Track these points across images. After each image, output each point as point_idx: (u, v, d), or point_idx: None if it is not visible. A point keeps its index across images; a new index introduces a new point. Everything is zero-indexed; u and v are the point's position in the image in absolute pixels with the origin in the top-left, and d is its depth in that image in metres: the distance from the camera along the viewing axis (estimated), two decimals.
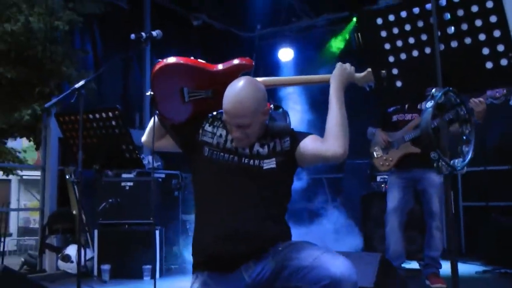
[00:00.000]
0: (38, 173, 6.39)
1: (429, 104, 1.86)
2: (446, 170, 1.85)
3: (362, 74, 2.53)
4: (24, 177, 16.08)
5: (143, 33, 3.38)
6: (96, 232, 5.45)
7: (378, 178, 6.60)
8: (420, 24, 2.13)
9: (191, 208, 7.09)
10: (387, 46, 2.23)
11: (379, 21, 2.21)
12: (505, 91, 4.13)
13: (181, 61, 2.38)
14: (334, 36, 9.03)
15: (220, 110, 2.57)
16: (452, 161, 1.86)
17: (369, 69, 2.50)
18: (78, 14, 5.74)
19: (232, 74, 2.40)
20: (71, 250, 5.41)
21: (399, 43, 2.19)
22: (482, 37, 2.05)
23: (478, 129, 4.53)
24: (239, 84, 2.32)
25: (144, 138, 2.70)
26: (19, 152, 9.63)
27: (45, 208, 6.07)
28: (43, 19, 5.19)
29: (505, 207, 6.65)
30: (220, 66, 2.42)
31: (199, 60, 2.43)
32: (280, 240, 2.37)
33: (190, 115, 2.52)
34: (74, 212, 5.80)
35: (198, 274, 2.42)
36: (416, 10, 2.12)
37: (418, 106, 4.82)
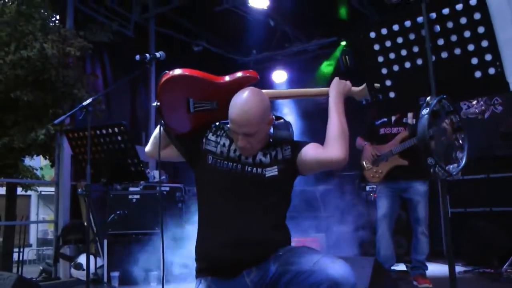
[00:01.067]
0: (54, 188, 6.28)
1: (425, 111, 1.72)
2: (442, 175, 1.71)
3: (360, 88, 2.42)
4: (42, 192, 16.05)
5: (147, 54, 3.26)
6: (105, 241, 5.30)
7: (367, 188, 6.48)
8: (412, 36, 2.01)
9: (194, 218, 6.97)
10: (380, 58, 2.11)
11: (372, 34, 2.09)
12: (483, 107, 4.10)
13: (188, 73, 2.24)
14: (324, 59, 9.01)
15: (223, 121, 2.45)
16: (447, 167, 1.72)
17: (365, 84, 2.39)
18: (89, 42, 5.64)
19: (238, 86, 2.26)
20: (83, 259, 5.28)
21: (392, 55, 2.07)
22: (471, 47, 1.93)
23: None
24: (246, 94, 2.20)
25: (148, 148, 2.54)
26: (37, 170, 9.59)
27: (59, 221, 5.94)
28: (56, 46, 5.08)
29: (482, 212, 6.54)
30: (226, 78, 2.29)
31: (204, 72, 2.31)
32: (281, 245, 2.25)
33: (195, 125, 2.38)
34: (85, 223, 5.66)
35: (201, 279, 2.29)
36: (407, 23, 2.00)
37: (404, 120, 4.78)
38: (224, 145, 2.34)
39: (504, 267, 4.94)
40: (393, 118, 4.81)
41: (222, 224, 2.23)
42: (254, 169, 2.28)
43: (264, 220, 2.23)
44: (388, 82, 2.14)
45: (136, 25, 7.42)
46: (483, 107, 4.09)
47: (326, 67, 8.94)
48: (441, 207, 1.72)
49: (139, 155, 3.14)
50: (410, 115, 4.77)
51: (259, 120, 2.19)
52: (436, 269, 5.64)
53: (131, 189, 5.64)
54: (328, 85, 2.33)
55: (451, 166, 1.74)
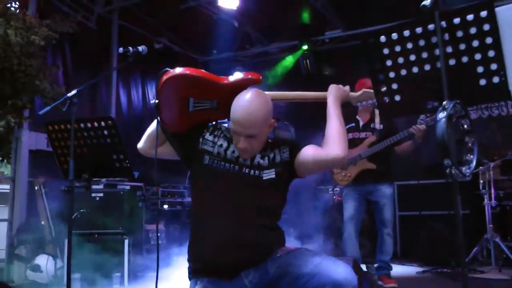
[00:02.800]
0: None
1: (442, 114, 1.80)
2: (457, 177, 1.80)
3: (358, 93, 2.49)
4: None
5: (130, 48, 3.20)
6: (66, 241, 5.13)
7: (330, 191, 6.61)
8: (422, 43, 2.09)
9: (154, 218, 6.88)
10: (389, 62, 2.18)
11: (383, 39, 2.16)
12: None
13: (190, 73, 2.21)
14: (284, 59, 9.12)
15: (221, 120, 2.45)
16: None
17: (364, 89, 2.46)
18: (53, 31, 5.44)
19: (240, 87, 2.26)
20: (41, 260, 5.08)
21: (401, 60, 2.15)
22: (477, 56, 2.03)
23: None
24: (249, 95, 2.20)
25: (140, 145, 2.50)
26: None
27: (13, 220, 5.68)
28: (20, 34, 4.87)
29: (436, 215, 6.86)
30: (229, 79, 2.28)
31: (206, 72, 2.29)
32: (276, 246, 2.27)
33: (192, 123, 2.36)
34: (42, 222, 5.44)
35: (197, 281, 2.26)
36: (419, 30, 2.08)
37: (372, 125, 4.93)
38: (221, 145, 2.33)
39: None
40: (361, 123, 4.96)
41: (217, 225, 2.22)
42: (252, 171, 2.28)
43: (259, 221, 2.23)
44: (394, 86, 2.21)
45: (99, 17, 7.24)
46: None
47: (285, 65, 9.06)
48: (454, 208, 1.79)
49: (126, 152, 3.06)
50: (377, 120, 4.94)
51: (263, 122, 2.20)
52: (401, 269, 5.89)
53: (94, 187, 5.49)
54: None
55: (463, 168, 1.83)
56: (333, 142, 2.22)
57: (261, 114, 2.18)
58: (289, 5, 7.79)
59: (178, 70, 2.22)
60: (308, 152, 2.29)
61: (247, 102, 2.18)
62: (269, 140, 2.32)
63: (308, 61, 8.55)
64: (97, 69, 7.10)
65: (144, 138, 2.49)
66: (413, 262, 6.29)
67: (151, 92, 8.70)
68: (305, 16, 8.30)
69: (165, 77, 2.21)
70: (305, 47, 8.50)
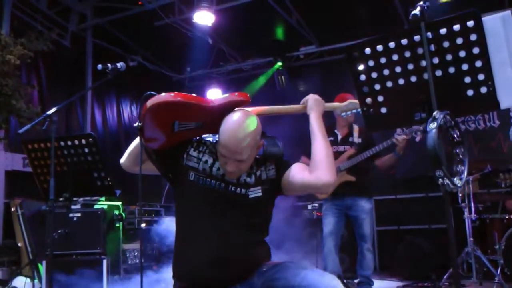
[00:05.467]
0: None
1: (433, 125, 1.81)
2: (448, 187, 1.80)
3: (344, 103, 2.49)
4: None
5: (108, 64, 3.18)
6: (44, 263, 4.98)
7: (309, 207, 6.59)
8: (407, 54, 2.10)
9: (131, 238, 6.78)
10: (374, 75, 2.18)
11: (367, 51, 2.16)
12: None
13: (175, 99, 2.12)
14: (259, 76, 9.15)
15: (205, 135, 2.40)
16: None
17: (350, 100, 2.47)
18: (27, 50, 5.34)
19: (227, 109, 2.20)
20: (18, 282, 4.91)
21: (386, 72, 2.15)
22: (465, 66, 2.05)
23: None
24: (238, 119, 2.15)
25: (122, 161, 2.45)
26: None
27: None
28: None
29: (414, 230, 6.90)
30: (216, 102, 2.19)
31: (193, 94, 2.22)
32: (262, 261, 2.25)
33: (175, 141, 2.30)
34: (19, 244, 5.28)
35: None
36: (404, 41, 2.09)
37: (350, 139, 4.94)
38: (206, 162, 2.28)
39: (442, 281, 5.22)
40: (339, 137, 4.97)
41: (202, 242, 2.18)
42: (238, 189, 2.24)
43: (245, 238, 2.21)
44: (380, 98, 2.21)
45: (73, 35, 7.17)
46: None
47: (260, 82, 9.10)
48: (446, 219, 1.79)
49: (107, 169, 2.99)
50: (356, 134, 4.96)
51: (253, 146, 2.16)
52: (381, 284, 5.88)
53: (72, 207, 5.35)
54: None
55: (454, 179, 1.83)
56: (322, 167, 2.17)
57: (251, 139, 2.13)
58: (263, 22, 7.83)
59: (163, 96, 2.12)
60: (296, 174, 2.25)
61: (236, 126, 2.13)
62: (257, 157, 2.29)
63: (283, 77, 8.59)
64: (72, 87, 7.01)
65: (126, 154, 2.45)
66: (393, 277, 6.28)
67: (126, 110, 8.61)
68: (279, 32, 8.37)
69: (149, 104, 2.10)
70: (279, 63, 8.55)
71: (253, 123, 2.17)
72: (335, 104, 2.64)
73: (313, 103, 2.39)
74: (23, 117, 5.08)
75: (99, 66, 3.17)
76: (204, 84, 9.54)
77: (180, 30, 7.59)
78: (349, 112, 2.57)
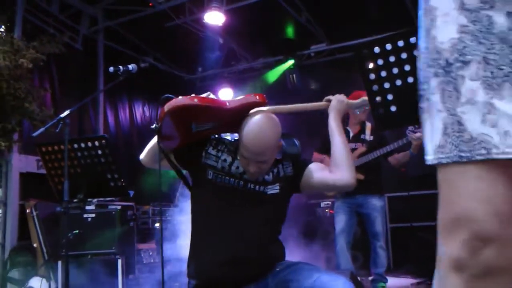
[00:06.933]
0: None
1: None
2: None
3: (358, 101, 2.51)
4: None
5: (120, 66, 3.23)
6: (59, 263, 5.06)
7: (322, 204, 6.61)
8: (416, 52, 2.11)
9: (145, 237, 6.85)
10: (383, 73, 2.20)
11: (377, 49, 2.18)
12: None
13: (193, 102, 2.15)
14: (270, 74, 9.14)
15: (223, 133, 2.45)
16: None
17: (364, 98, 2.48)
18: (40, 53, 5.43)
19: (245, 110, 2.25)
20: (34, 282, 5.00)
21: (395, 70, 2.17)
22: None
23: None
24: (261, 122, 2.19)
25: (142, 157, 2.50)
26: None
27: (5, 243, 5.60)
28: (8, 57, 4.85)
29: (427, 226, 6.86)
30: (233, 103, 2.24)
31: (211, 96, 2.27)
32: (277, 261, 2.28)
33: (193, 141, 2.36)
34: (35, 245, 5.37)
35: None
36: (412, 39, 2.10)
37: (362, 136, 4.93)
38: (225, 160, 2.33)
39: None
40: (351, 134, 4.96)
41: (220, 240, 2.22)
42: (257, 186, 2.29)
43: (261, 236, 2.25)
44: (390, 96, 2.23)
45: (84, 38, 7.25)
46: None
47: (271, 78, 9.09)
48: None
49: (121, 171, 3.04)
50: (368, 131, 4.96)
51: (275, 148, 2.23)
52: (395, 282, 5.87)
53: (87, 207, 5.43)
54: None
55: None
56: (343, 168, 2.26)
57: (273, 142, 2.20)
58: (273, 21, 7.85)
59: (181, 100, 2.16)
60: (316, 173, 2.31)
61: (259, 129, 2.18)
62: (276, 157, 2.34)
63: (294, 75, 8.59)
64: (84, 90, 7.07)
65: (145, 151, 2.50)
66: (406, 274, 6.27)
67: (138, 111, 8.67)
68: (290, 31, 8.37)
69: (167, 107, 2.15)
70: (290, 61, 8.55)
71: (275, 126, 2.23)
72: (350, 101, 2.66)
73: (336, 104, 2.43)
74: (36, 120, 5.16)
75: (111, 69, 3.22)
76: (215, 84, 9.56)
77: (190, 31, 7.64)
78: (361, 109, 2.59)
